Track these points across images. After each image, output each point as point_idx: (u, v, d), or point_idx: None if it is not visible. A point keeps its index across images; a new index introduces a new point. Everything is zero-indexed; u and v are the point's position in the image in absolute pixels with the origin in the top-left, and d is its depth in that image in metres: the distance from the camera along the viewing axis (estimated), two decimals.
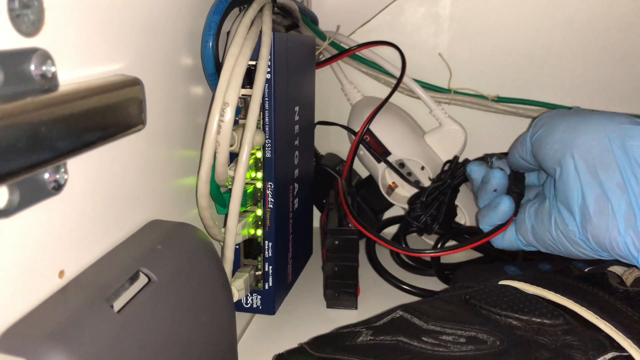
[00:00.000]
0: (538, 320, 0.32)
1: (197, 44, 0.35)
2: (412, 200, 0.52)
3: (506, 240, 0.42)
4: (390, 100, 0.54)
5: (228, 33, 0.37)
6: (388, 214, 0.60)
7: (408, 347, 0.31)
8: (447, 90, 0.56)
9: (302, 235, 0.49)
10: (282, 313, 0.43)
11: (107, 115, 0.23)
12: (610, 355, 0.30)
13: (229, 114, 0.32)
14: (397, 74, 0.54)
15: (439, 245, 0.51)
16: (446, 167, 0.52)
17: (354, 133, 0.55)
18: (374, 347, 0.31)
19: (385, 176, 0.56)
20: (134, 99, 0.25)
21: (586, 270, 0.42)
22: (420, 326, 0.33)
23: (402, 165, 0.55)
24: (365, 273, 0.49)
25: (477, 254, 0.52)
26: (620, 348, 0.31)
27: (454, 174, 0.50)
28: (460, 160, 0.52)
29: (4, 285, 0.20)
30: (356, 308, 0.45)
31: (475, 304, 0.34)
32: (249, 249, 0.41)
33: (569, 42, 0.55)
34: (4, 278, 0.20)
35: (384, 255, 0.52)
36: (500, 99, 0.56)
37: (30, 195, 0.21)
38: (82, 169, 0.24)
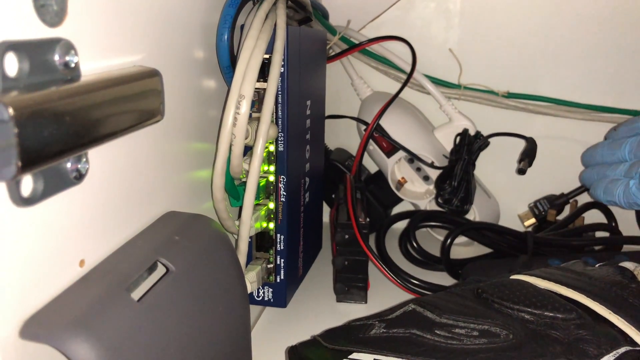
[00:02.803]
0: (551, 314, 0.32)
1: (212, 37, 0.35)
2: (439, 185, 0.52)
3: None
4: (400, 95, 0.54)
5: (242, 27, 0.37)
6: (397, 209, 0.60)
7: (421, 340, 0.31)
8: (457, 86, 0.56)
9: (313, 229, 0.49)
10: (293, 306, 0.44)
11: (128, 105, 0.23)
12: (623, 349, 0.30)
13: (245, 107, 0.32)
14: (407, 69, 0.54)
15: (448, 240, 0.50)
16: (457, 141, 0.52)
17: (365, 123, 0.55)
18: (387, 339, 0.32)
19: (395, 171, 0.56)
20: (153, 90, 0.25)
21: (597, 265, 0.42)
22: (432, 319, 0.33)
23: (411, 160, 0.55)
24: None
25: (486, 250, 0.52)
26: (633, 342, 0.31)
27: (470, 149, 0.51)
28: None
29: (27, 273, 0.20)
30: (366, 302, 0.45)
31: (487, 298, 0.34)
32: (261, 242, 0.41)
33: (580, 37, 0.55)
34: (28, 266, 0.20)
35: (394, 249, 0.52)
36: (510, 95, 0.56)
37: (53, 184, 0.21)
38: (101, 159, 0.24)
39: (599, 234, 0.52)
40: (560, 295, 0.34)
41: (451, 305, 0.34)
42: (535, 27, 0.55)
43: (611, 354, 0.30)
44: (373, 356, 0.30)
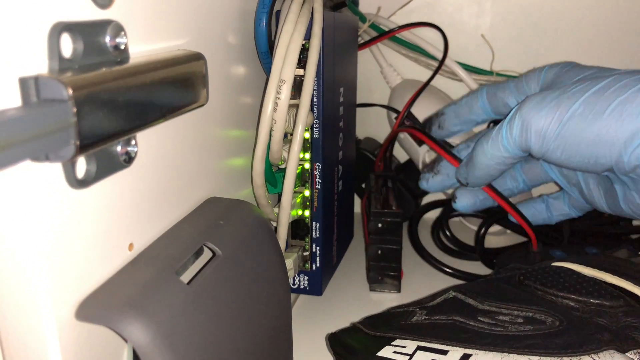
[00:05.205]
0: (597, 301, 0.32)
1: (249, 23, 0.35)
2: None
3: None
4: (431, 82, 0.53)
5: (277, 13, 0.37)
6: (427, 199, 0.59)
7: (465, 327, 0.31)
8: (490, 73, 0.55)
9: (345, 217, 0.49)
10: (327, 294, 0.43)
11: (175, 88, 0.23)
12: None
13: (286, 92, 0.31)
14: (439, 55, 0.54)
15: (482, 229, 0.50)
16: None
17: (396, 111, 0.54)
18: (430, 326, 0.31)
19: (426, 160, 0.55)
20: (198, 73, 0.25)
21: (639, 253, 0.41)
22: (475, 306, 0.32)
23: None
24: (409, 256, 0.49)
25: (521, 238, 0.51)
26: None
27: None
28: None
29: (81, 255, 0.20)
30: (399, 291, 0.45)
31: (529, 285, 0.34)
32: (296, 230, 0.41)
33: (617, 22, 0.53)
34: (82, 248, 0.20)
35: (426, 238, 0.52)
36: None
37: (105, 166, 0.21)
38: (148, 143, 0.24)
39: (637, 222, 0.51)
40: (606, 283, 0.33)
41: (493, 292, 0.34)
42: (570, 12, 0.54)
43: None
44: (417, 342, 0.30)
